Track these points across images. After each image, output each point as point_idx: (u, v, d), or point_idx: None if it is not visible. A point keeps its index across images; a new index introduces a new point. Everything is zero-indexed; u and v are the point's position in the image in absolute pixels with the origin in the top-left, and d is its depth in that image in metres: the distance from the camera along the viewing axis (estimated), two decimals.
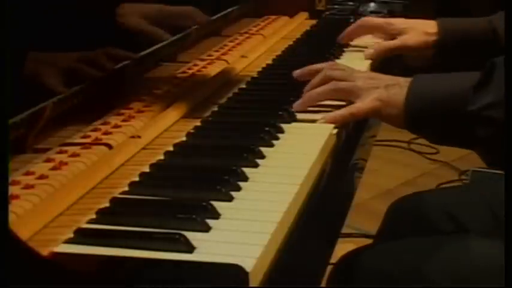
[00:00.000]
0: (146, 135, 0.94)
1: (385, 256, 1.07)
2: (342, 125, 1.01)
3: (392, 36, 1.40)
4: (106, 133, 0.93)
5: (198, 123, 1.01)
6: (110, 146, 0.89)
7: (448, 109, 0.96)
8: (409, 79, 1.01)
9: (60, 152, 0.87)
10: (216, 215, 0.73)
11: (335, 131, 0.99)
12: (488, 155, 0.96)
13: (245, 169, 0.83)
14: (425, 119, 0.99)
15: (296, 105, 1.05)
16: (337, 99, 1.06)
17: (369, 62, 1.35)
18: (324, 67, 1.10)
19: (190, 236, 0.67)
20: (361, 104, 1.01)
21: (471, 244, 1.04)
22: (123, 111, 1.01)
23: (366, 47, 1.40)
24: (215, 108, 1.08)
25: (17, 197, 0.73)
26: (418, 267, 1.00)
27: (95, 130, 0.94)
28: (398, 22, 1.41)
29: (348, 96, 1.04)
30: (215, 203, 0.74)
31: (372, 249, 1.19)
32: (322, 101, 1.05)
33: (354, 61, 1.35)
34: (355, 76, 1.06)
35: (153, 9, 1.32)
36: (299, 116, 1.03)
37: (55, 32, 1.03)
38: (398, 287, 1.00)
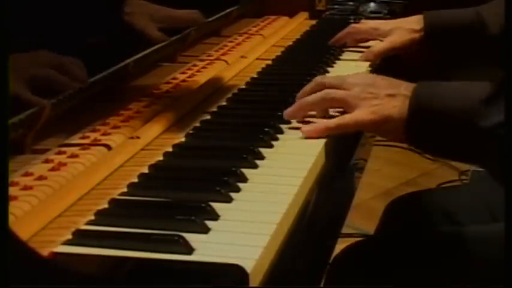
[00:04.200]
0: (145, 136, 0.94)
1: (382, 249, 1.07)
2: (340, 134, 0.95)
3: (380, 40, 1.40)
4: (105, 134, 0.93)
5: (197, 123, 1.01)
6: (108, 147, 0.89)
7: (456, 124, 0.89)
8: (411, 86, 0.94)
9: (59, 153, 0.87)
10: (215, 216, 0.73)
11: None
12: (497, 170, 0.90)
13: (244, 170, 0.83)
14: (429, 133, 0.91)
15: (286, 113, 0.98)
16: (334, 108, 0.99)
17: (367, 63, 1.35)
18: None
19: (189, 237, 0.67)
20: (354, 116, 0.94)
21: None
22: (122, 112, 1.01)
23: (367, 47, 1.40)
24: (214, 109, 1.08)
25: (15, 198, 0.73)
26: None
27: (93, 131, 0.94)
28: (383, 25, 1.41)
29: (342, 106, 0.97)
30: (214, 204, 0.74)
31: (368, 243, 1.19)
32: (313, 110, 0.99)
33: (352, 63, 1.35)
34: (350, 83, 0.97)
35: (161, 12, 1.30)
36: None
37: (59, 26, 1.02)
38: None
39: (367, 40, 1.43)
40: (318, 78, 1.01)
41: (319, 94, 0.97)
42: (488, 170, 0.92)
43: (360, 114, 0.93)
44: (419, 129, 0.91)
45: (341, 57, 1.40)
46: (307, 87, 1.00)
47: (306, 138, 0.94)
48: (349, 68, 1.31)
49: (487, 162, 0.90)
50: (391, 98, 0.93)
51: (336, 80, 0.99)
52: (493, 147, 0.87)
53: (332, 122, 0.94)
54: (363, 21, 1.50)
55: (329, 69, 1.30)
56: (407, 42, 1.37)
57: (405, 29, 1.37)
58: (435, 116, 0.90)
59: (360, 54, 1.39)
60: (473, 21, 1.32)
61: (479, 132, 0.87)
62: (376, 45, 1.39)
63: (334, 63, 1.34)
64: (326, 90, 0.97)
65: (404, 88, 0.94)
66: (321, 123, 0.95)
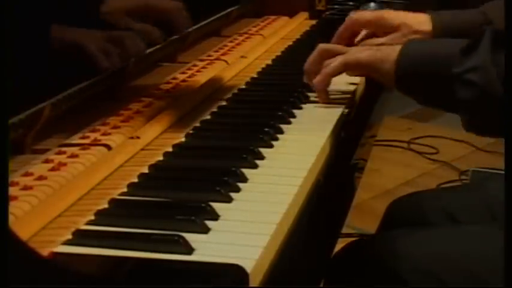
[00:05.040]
0: (145, 136, 0.94)
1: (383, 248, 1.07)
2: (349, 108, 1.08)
3: (384, 32, 1.30)
4: (105, 134, 0.93)
5: (197, 123, 1.01)
6: (108, 147, 0.89)
7: (434, 70, 0.99)
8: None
9: (59, 153, 0.87)
10: (215, 216, 0.73)
11: (335, 131, 0.99)
12: (468, 118, 0.97)
13: (244, 170, 0.83)
14: (413, 79, 1.02)
15: (316, 81, 1.10)
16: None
17: None
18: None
19: (189, 237, 0.67)
20: (355, 55, 1.07)
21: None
22: (122, 112, 1.01)
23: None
24: (214, 109, 1.08)
25: (15, 198, 0.73)
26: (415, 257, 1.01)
27: (93, 131, 0.94)
28: (390, 17, 1.30)
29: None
30: (214, 204, 0.74)
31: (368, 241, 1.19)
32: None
33: None
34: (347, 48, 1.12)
35: (137, 4, 1.28)
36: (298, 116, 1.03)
37: (39, 34, 1.01)
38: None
39: (373, 34, 1.31)
40: (322, 46, 1.14)
41: (337, 63, 1.08)
42: (462, 119, 0.98)
43: (361, 54, 1.07)
44: (406, 75, 1.02)
45: None
46: (312, 57, 1.12)
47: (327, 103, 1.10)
48: None
49: (460, 110, 0.97)
50: (389, 46, 1.07)
51: (338, 49, 1.12)
52: (463, 94, 0.94)
53: (335, 61, 1.07)
54: (362, 11, 1.51)
55: None
56: None
57: (411, 28, 1.29)
58: (419, 63, 1.01)
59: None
60: (482, 23, 1.30)
61: (451, 77, 0.95)
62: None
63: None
64: (344, 57, 1.08)
65: (392, 45, 1.08)
66: (325, 68, 1.08)
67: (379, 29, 1.29)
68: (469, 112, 0.96)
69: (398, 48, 1.04)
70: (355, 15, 1.34)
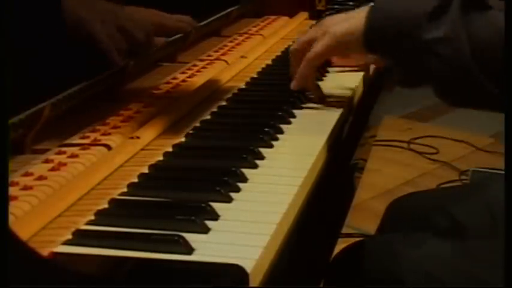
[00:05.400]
0: (145, 136, 0.94)
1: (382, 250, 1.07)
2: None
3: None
4: (105, 134, 0.93)
5: (197, 123, 1.01)
6: (108, 147, 0.89)
7: (404, 33, 0.95)
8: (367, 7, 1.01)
9: (59, 153, 0.87)
10: (215, 216, 0.73)
11: (335, 130, 0.99)
12: (439, 88, 0.96)
13: (244, 170, 0.83)
14: (382, 42, 0.98)
15: (293, 86, 1.07)
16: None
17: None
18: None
19: (189, 237, 0.67)
20: (320, 43, 1.03)
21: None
22: (122, 112, 1.01)
23: None
24: (214, 109, 1.08)
25: (15, 198, 0.73)
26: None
27: (93, 131, 0.94)
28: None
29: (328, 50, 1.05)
30: (214, 204, 0.74)
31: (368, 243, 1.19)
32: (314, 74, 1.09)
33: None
34: (321, 32, 1.05)
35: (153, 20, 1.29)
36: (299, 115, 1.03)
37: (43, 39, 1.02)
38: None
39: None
40: (292, 49, 1.10)
41: (305, 66, 1.05)
42: (432, 86, 0.96)
43: (326, 39, 1.03)
44: (374, 38, 0.98)
45: None
46: (291, 65, 1.09)
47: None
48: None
49: (431, 80, 0.96)
50: (350, 18, 1.02)
51: (304, 40, 1.07)
52: (431, 65, 0.92)
53: (305, 60, 1.04)
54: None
55: (329, 68, 1.30)
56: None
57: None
58: (388, 24, 0.96)
59: None
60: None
61: (422, 44, 0.92)
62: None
63: (334, 62, 1.34)
64: (308, 56, 1.05)
65: (361, 10, 1.02)
66: (299, 69, 1.06)
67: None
68: (439, 83, 0.95)
69: (360, 15, 1.00)
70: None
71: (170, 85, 1.15)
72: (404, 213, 1.27)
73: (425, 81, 0.97)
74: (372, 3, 1.01)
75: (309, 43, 1.06)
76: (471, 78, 0.91)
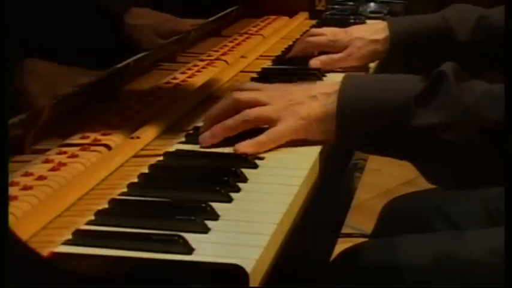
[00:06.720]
0: (145, 136, 0.94)
1: (381, 252, 1.07)
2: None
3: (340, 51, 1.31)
4: (105, 134, 0.93)
5: (197, 123, 1.01)
6: (108, 147, 0.89)
7: (387, 120, 0.87)
8: (337, 83, 0.91)
9: (59, 153, 0.87)
10: (215, 216, 0.73)
11: None
12: (429, 168, 0.91)
13: (244, 170, 0.83)
14: (359, 129, 0.89)
15: (203, 138, 0.92)
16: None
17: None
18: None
19: (189, 237, 0.67)
20: (284, 127, 0.90)
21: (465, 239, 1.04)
22: (122, 111, 1.01)
23: None
24: None
25: (15, 198, 0.73)
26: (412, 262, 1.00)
27: (93, 131, 0.94)
28: (342, 35, 1.32)
29: (267, 123, 0.91)
30: (214, 204, 0.74)
31: (367, 245, 1.19)
32: (235, 133, 0.91)
33: None
34: (268, 96, 0.92)
35: (166, 25, 1.29)
36: None
37: (56, 31, 1.02)
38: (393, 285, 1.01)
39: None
40: (234, 95, 0.93)
41: (239, 117, 0.91)
42: (419, 168, 0.91)
43: (289, 124, 0.90)
44: (350, 125, 0.89)
45: None
46: (220, 105, 0.94)
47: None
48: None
49: (419, 160, 0.89)
50: (313, 99, 0.90)
51: (251, 96, 0.93)
52: (427, 146, 0.86)
53: (263, 138, 0.90)
54: (322, 29, 1.38)
55: (329, 69, 1.30)
56: (369, 54, 1.30)
57: (367, 39, 1.29)
58: (365, 111, 0.87)
59: None
60: (440, 27, 1.28)
61: (412, 130, 0.85)
62: (334, 56, 1.30)
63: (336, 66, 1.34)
64: (246, 112, 0.91)
65: (322, 86, 0.93)
66: (253, 140, 0.90)
67: (334, 50, 1.31)
68: (434, 162, 0.89)
69: (329, 99, 0.89)
70: (311, 38, 1.35)
71: (170, 85, 1.15)
72: (400, 213, 1.27)
73: (412, 162, 0.91)
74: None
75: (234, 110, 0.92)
76: (484, 157, 0.85)
